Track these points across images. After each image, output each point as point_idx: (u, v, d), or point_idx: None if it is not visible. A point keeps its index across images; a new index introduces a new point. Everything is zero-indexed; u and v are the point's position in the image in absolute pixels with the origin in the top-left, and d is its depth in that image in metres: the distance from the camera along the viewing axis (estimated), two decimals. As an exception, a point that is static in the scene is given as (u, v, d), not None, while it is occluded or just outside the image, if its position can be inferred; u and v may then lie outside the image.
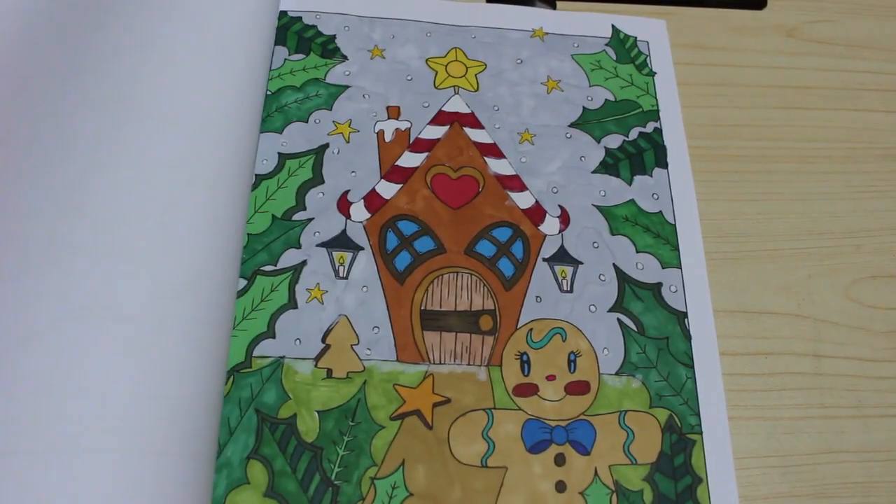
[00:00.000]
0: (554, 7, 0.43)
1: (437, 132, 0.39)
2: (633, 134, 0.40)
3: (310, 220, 0.35)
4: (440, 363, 0.33)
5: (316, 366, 0.32)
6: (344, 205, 0.36)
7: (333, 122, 0.38)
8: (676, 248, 0.36)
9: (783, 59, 0.43)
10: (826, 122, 0.41)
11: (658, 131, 0.40)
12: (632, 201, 0.38)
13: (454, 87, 0.40)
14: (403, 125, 0.39)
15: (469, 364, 0.33)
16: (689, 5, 0.44)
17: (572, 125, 0.40)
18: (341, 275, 0.34)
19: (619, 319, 0.34)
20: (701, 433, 0.32)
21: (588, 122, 0.40)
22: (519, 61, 0.41)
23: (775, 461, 0.32)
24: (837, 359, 0.34)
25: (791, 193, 0.39)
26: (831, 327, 0.35)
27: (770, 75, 0.42)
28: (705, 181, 0.39)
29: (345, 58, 0.40)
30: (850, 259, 0.37)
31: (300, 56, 0.40)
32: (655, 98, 0.41)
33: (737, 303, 0.36)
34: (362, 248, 0.35)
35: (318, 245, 0.35)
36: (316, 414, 0.31)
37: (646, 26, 0.43)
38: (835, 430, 0.33)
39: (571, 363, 0.33)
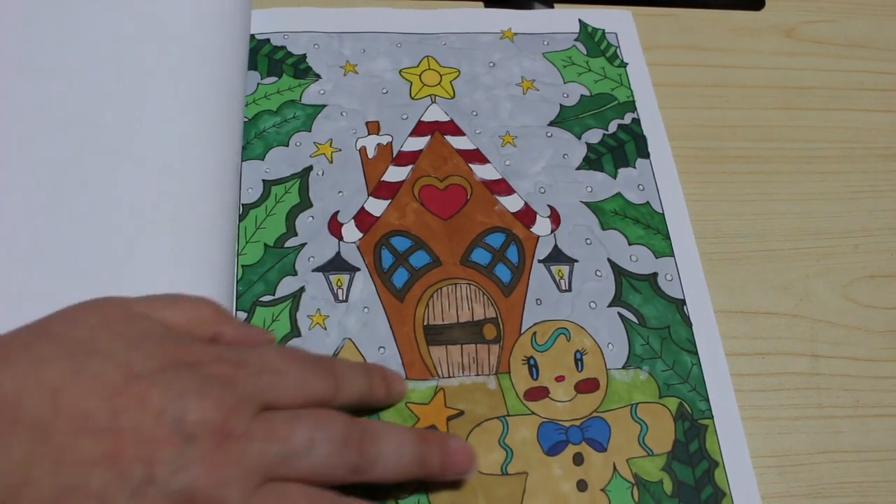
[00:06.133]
0: (552, 7, 0.44)
1: (418, 143, 0.39)
2: (613, 127, 0.40)
3: (303, 245, 0.35)
4: (449, 377, 0.33)
5: (326, 392, 0.32)
6: (335, 226, 0.36)
7: (314, 143, 0.38)
8: (667, 237, 0.37)
9: (781, 60, 0.44)
10: (824, 122, 0.42)
11: (636, 122, 0.40)
12: (619, 194, 0.38)
13: (430, 96, 0.40)
14: (385, 139, 0.39)
15: (478, 374, 0.33)
16: (688, 6, 0.44)
17: (551, 124, 0.40)
18: (341, 298, 0.34)
19: (619, 313, 0.35)
20: (712, 417, 0.33)
21: (567, 119, 0.40)
22: (492, 64, 0.42)
23: (772, 461, 0.32)
24: (835, 359, 0.35)
25: (789, 194, 0.39)
26: (829, 327, 0.36)
27: (768, 76, 0.43)
28: (703, 182, 0.39)
29: (318, 76, 0.40)
30: (848, 259, 0.38)
31: (273, 79, 0.40)
32: (630, 89, 0.41)
33: (734, 303, 0.36)
34: (358, 269, 0.35)
35: (314, 270, 0.35)
36: (332, 440, 0.31)
37: (612, 18, 0.44)
38: (832, 429, 0.33)
39: (578, 362, 0.34)
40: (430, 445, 0.28)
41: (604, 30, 0.43)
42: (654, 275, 0.36)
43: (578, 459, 0.32)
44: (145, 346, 0.25)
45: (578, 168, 0.39)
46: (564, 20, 0.43)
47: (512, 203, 0.37)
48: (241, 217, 0.36)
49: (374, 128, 0.39)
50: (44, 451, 0.22)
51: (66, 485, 0.22)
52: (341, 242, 0.35)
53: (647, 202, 0.38)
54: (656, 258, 0.36)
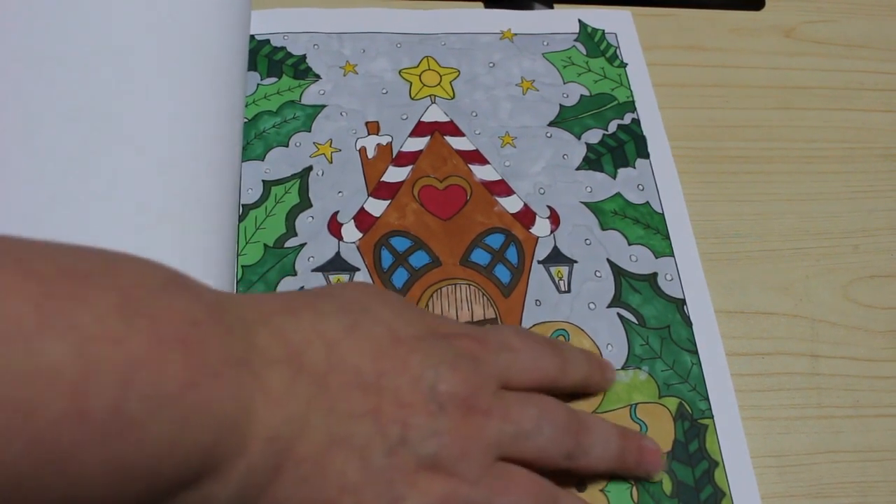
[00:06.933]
0: (551, 8, 0.44)
1: (418, 144, 0.39)
2: (612, 127, 0.40)
3: (302, 245, 0.35)
4: (449, 376, 0.33)
5: (326, 392, 0.32)
6: (335, 226, 0.36)
7: (314, 143, 0.38)
8: (667, 237, 0.37)
9: (781, 60, 0.43)
10: (824, 122, 0.41)
11: (636, 122, 0.40)
12: (618, 195, 0.38)
13: (430, 96, 0.40)
14: (384, 140, 0.39)
15: (478, 374, 0.33)
16: (688, 6, 0.44)
17: (551, 124, 0.40)
18: (341, 298, 0.34)
19: (619, 314, 0.35)
20: (712, 417, 0.33)
21: (566, 119, 0.40)
22: (491, 64, 0.42)
23: (772, 461, 0.32)
24: (835, 359, 0.35)
25: (789, 194, 0.39)
26: (829, 327, 0.36)
27: (768, 76, 0.43)
28: (703, 182, 0.39)
29: (318, 77, 0.40)
30: (848, 259, 0.37)
31: (273, 79, 0.40)
32: (630, 89, 0.41)
33: (734, 303, 0.36)
34: (358, 269, 0.35)
35: (313, 270, 0.35)
36: (331, 441, 0.31)
37: (612, 18, 0.44)
38: (832, 430, 0.33)
39: (578, 362, 0.34)
40: (630, 442, 0.30)
41: (603, 30, 0.43)
42: (654, 275, 0.36)
43: (578, 460, 0.32)
44: (407, 314, 0.27)
45: (578, 168, 0.39)
46: (564, 20, 0.43)
47: (511, 204, 0.37)
48: (241, 217, 0.36)
49: (373, 128, 0.39)
50: (321, 399, 0.23)
51: (337, 434, 0.23)
52: (341, 242, 0.35)
53: (647, 202, 0.38)
54: (656, 258, 0.36)
